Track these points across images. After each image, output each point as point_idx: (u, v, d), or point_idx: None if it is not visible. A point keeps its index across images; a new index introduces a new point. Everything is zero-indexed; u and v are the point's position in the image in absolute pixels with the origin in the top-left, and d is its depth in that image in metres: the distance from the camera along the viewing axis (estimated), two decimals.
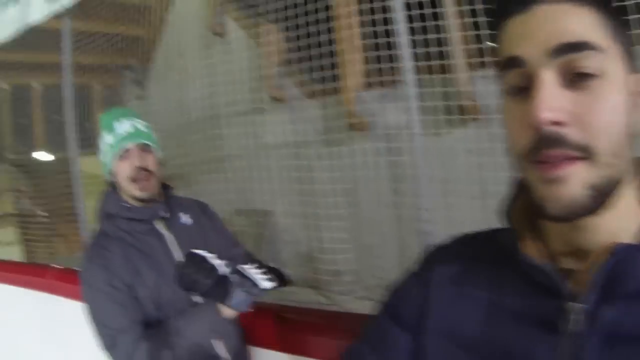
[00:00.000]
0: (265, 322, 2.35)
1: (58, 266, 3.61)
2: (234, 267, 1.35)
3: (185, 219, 1.67)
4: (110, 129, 1.57)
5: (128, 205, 1.57)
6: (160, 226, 1.59)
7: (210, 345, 1.62)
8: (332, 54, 2.75)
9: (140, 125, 1.60)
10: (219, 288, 1.31)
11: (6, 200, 5.53)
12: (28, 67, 4.64)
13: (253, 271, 1.34)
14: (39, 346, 3.76)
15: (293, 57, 2.96)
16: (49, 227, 4.31)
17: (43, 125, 4.74)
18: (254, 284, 1.34)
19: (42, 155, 4.34)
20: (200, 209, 1.78)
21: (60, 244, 4.20)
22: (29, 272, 3.71)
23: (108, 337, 1.42)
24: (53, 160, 4.02)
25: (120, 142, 1.54)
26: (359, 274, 2.70)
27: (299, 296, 2.74)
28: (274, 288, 1.38)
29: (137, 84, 4.11)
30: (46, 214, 4.31)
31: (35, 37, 4.26)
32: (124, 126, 1.57)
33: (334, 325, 2.15)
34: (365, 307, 2.66)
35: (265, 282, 1.34)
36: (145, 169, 1.52)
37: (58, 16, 3.58)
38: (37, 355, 3.86)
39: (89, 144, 3.99)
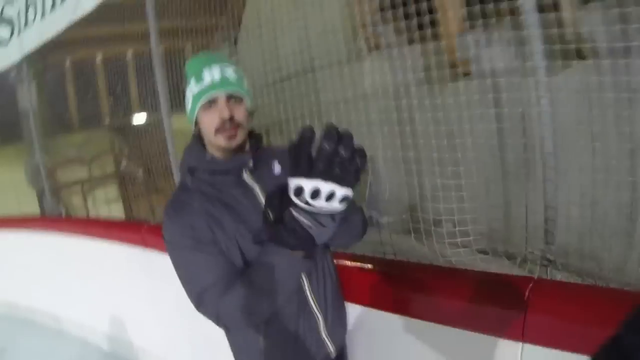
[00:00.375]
0: (364, 276, 2.30)
1: (152, 223, 3.81)
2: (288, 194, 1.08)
3: (277, 168, 1.62)
4: (198, 76, 1.49)
5: (210, 158, 1.54)
6: (247, 177, 1.54)
7: (298, 289, 1.59)
8: None
9: (231, 71, 1.51)
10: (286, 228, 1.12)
11: (107, 161, 5.90)
12: (120, 39, 4.84)
13: (320, 201, 1.03)
14: (134, 300, 3.99)
15: (388, 1, 2.83)
16: (147, 184, 4.52)
17: (137, 90, 4.94)
18: (322, 215, 1.08)
19: (138, 118, 4.53)
20: None
21: (159, 199, 4.40)
22: (126, 229, 3.93)
23: (195, 294, 1.41)
24: (148, 122, 4.18)
25: (207, 91, 1.47)
26: (463, 222, 2.60)
27: (400, 245, 2.69)
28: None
29: (229, 42, 4.16)
30: (143, 172, 4.52)
31: (121, 8, 4.46)
32: (213, 73, 1.48)
33: (439, 283, 2.08)
34: (472, 260, 2.54)
35: (335, 204, 1.03)
36: (233, 120, 1.47)
37: None
38: (130, 308, 4.10)
39: (183, 103, 4.15)
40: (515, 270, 2.24)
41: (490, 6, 2.28)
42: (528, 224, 2.52)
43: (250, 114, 1.57)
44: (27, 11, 5.23)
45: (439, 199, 2.60)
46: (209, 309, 1.39)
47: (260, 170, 1.57)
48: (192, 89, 1.50)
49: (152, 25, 3.78)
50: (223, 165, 1.52)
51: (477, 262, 2.48)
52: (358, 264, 2.33)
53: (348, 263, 2.35)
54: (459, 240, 2.59)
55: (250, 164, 1.54)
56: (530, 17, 2.05)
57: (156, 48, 3.84)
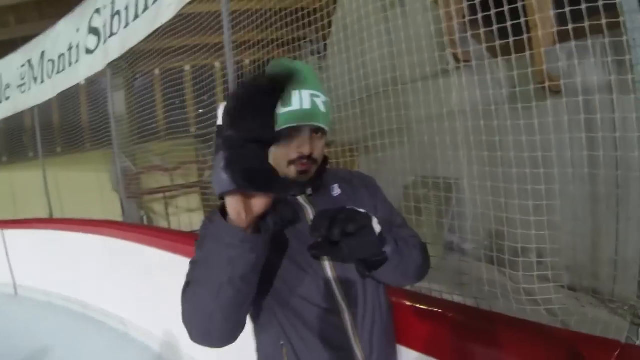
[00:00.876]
0: (422, 318, 2.00)
1: None
2: None
3: (336, 191, 1.55)
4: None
5: None
6: (302, 198, 1.48)
7: (338, 324, 1.43)
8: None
9: (321, 101, 1.41)
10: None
11: (191, 170, 6.20)
12: (207, 49, 5.09)
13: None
14: None
15: (474, 8, 2.72)
16: None
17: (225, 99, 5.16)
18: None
19: None
20: (361, 181, 1.65)
21: None
22: (188, 242, 4.02)
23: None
24: None
25: (293, 119, 1.36)
26: (545, 256, 2.47)
27: (477, 271, 2.63)
28: None
29: (317, 55, 4.22)
30: None
31: (200, 19, 4.70)
32: (303, 99, 1.37)
33: (510, 336, 1.76)
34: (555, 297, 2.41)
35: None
36: (311, 157, 1.39)
37: None
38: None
39: None
40: (601, 313, 2.04)
41: (583, 8, 2.04)
42: (618, 268, 2.35)
43: (326, 145, 1.51)
44: (112, 21, 5.69)
45: (517, 235, 2.48)
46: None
47: (316, 192, 1.50)
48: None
49: (226, 35, 3.94)
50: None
51: (560, 299, 2.34)
52: (417, 304, 2.07)
53: (406, 302, 2.09)
54: (535, 273, 2.46)
55: (309, 191, 1.48)
56: (634, 19, 1.72)
57: (230, 59, 3.95)
